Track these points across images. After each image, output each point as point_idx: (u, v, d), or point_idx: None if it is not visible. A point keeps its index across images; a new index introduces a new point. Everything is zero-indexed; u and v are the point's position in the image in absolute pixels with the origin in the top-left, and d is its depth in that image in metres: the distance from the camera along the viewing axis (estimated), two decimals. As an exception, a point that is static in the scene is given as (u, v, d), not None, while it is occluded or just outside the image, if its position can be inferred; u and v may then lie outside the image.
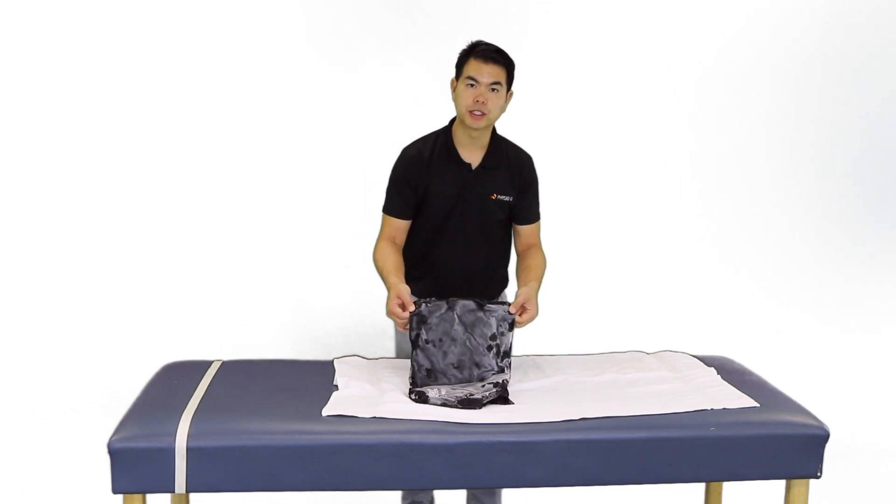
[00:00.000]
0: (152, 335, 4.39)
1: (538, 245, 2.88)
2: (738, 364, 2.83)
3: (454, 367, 2.52)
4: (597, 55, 4.68)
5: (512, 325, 2.60)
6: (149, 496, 2.22)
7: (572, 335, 4.34)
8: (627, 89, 4.70)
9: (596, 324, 4.58)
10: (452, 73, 4.63)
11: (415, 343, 2.53)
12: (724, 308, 4.74)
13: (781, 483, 2.40)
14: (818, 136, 4.78)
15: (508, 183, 2.79)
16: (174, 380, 2.58)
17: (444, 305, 2.57)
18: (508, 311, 2.60)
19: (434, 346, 2.51)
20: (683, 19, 4.68)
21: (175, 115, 4.47)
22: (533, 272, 2.78)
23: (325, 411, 2.32)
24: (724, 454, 2.29)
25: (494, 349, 2.59)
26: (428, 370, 2.50)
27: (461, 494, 3.17)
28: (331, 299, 4.46)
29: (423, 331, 2.54)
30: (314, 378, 2.60)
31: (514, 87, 2.75)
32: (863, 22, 4.70)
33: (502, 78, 2.68)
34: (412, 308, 2.56)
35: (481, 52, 2.66)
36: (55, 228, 4.42)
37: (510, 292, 2.99)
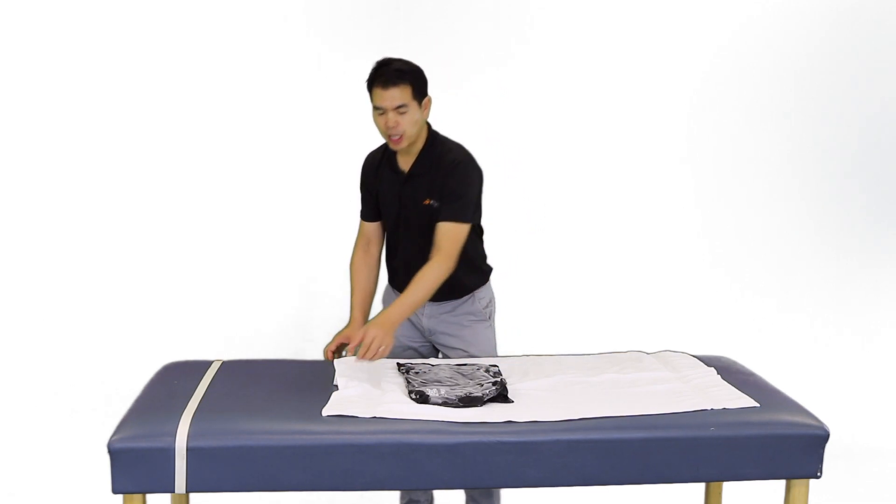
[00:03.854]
0: (152, 335, 4.39)
1: (443, 251, 2.72)
2: (738, 364, 2.83)
3: (448, 378, 2.54)
4: (595, 56, 4.68)
5: (499, 373, 2.60)
6: (149, 496, 2.22)
7: (572, 335, 4.33)
8: (628, 91, 4.70)
9: (596, 324, 4.58)
10: (451, 73, 4.64)
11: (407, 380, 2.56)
12: (724, 308, 4.74)
13: (781, 483, 2.40)
14: (817, 137, 4.78)
15: (436, 188, 2.80)
16: (174, 380, 2.58)
17: (428, 366, 2.66)
18: (491, 365, 2.67)
19: (425, 384, 2.51)
20: (682, 18, 4.67)
21: (175, 116, 4.47)
22: (400, 297, 2.70)
23: (326, 411, 2.32)
24: (724, 454, 2.29)
25: (484, 368, 2.63)
26: (423, 381, 2.51)
27: (460, 494, 3.17)
28: (331, 299, 4.46)
29: (412, 374, 2.58)
30: (314, 378, 2.60)
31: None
32: (863, 21, 4.70)
33: (407, 97, 2.69)
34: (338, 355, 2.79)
35: (381, 79, 2.69)
36: (55, 229, 4.41)
37: (485, 295, 3.00)
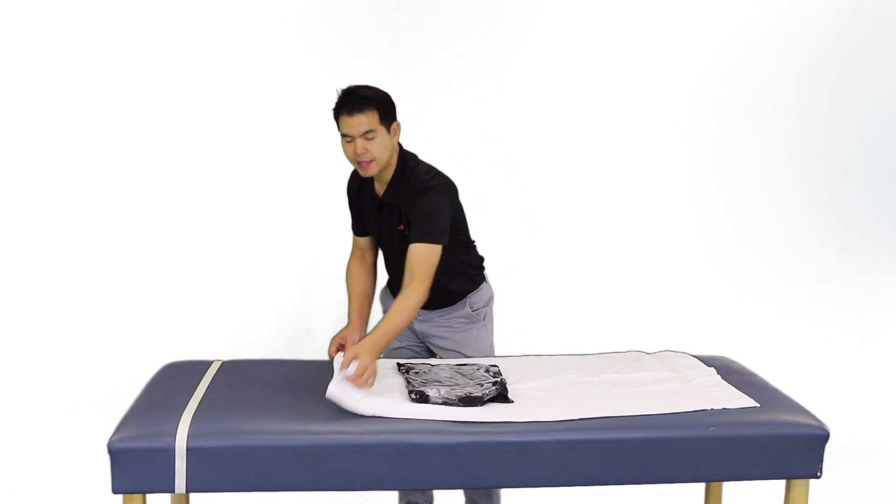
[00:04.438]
0: (152, 335, 4.39)
1: (417, 277, 2.65)
2: (738, 364, 2.83)
3: (448, 378, 2.54)
4: (595, 56, 4.68)
5: (499, 373, 2.60)
6: (149, 496, 2.22)
7: (572, 335, 4.34)
8: (628, 91, 4.70)
9: (596, 324, 4.58)
10: (451, 77, 4.64)
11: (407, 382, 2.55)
12: (724, 308, 4.74)
13: (781, 483, 2.40)
14: (817, 137, 4.78)
15: (406, 215, 2.77)
16: (174, 380, 2.58)
17: (428, 366, 2.66)
18: (491, 365, 2.67)
19: (425, 384, 2.51)
20: (682, 18, 4.67)
21: (175, 116, 4.47)
22: (381, 323, 2.61)
23: (328, 394, 2.32)
24: (724, 454, 2.29)
25: (484, 368, 2.63)
26: (423, 381, 2.51)
27: (460, 494, 3.17)
28: (331, 299, 4.46)
29: (412, 374, 2.58)
30: (314, 378, 2.60)
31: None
32: (863, 21, 4.70)
33: (374, 123, 2.67)
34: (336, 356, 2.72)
35: (346, 106, 2.66)
36: (55, 229, 4.41)
37: (479, 299, 2.99)
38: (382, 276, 3.07)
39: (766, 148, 4.77)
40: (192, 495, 2.58)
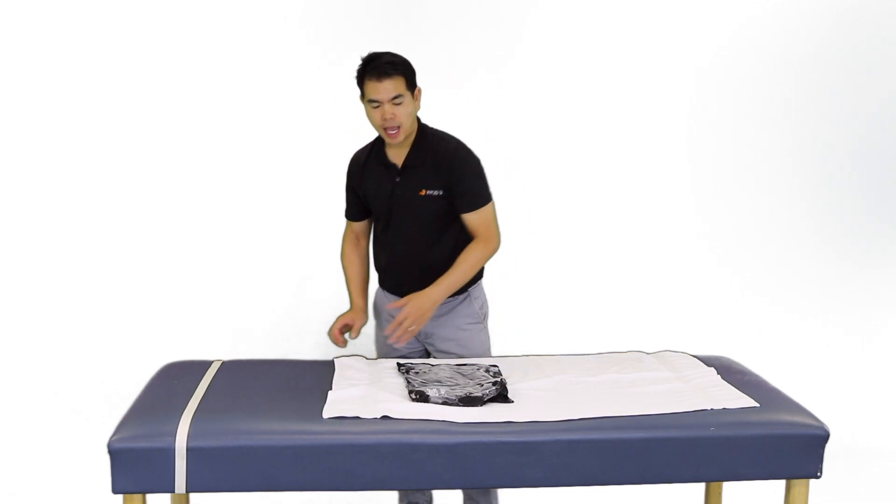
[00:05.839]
0: (152, 335, 4.39)
1: (482, 237, 2.82)
2: (738, 364, 2.83)
3: (448, 378, 2.54)
4: (595, 56, 4.68)
5: (499, 373, 2.60)
6: (149, 496, 2.22)
7: (572, 335, 4.34)
8: (628, 91, 4.70)
9: (596, 324, 4.58)
10: (451, 73, 4.64)
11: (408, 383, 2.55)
12: (724, 308, 4.74)
13: (781, 483, 2.40)
14: (817, 137, 4.78)
15: (434, 178, 2.81)
16: (174, 380, 2.58)
17: (428, 366, 2.66)
18: (491, 365, 2.67)
19: (425, 384, 2.51)
20: (682, 18, 4.67)
21: (175, 115, 4.47)
22: (444, 275, 2.78)
23: (326, 413, 2.32)
24: (724, 454, 2.29)
25: (484, 368, 2.63)
26: (423, 381, 2.51)
27: (459, 494, 3.17)
28: (331, 299, 4.46)
29: (411, 374, 2.58)
30: (314, 378, 2.60)
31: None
32: (863, 21, 4.70)
33: (402, 88, 2.72)
34: (343, 342, 2.89)
35: (374, 71, 2.70)
36: (55, 229, 4.41)
37: (480, 294, 2.99)
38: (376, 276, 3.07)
39: (767, 148, 4.77)
40: (192, 495, 2.59)
